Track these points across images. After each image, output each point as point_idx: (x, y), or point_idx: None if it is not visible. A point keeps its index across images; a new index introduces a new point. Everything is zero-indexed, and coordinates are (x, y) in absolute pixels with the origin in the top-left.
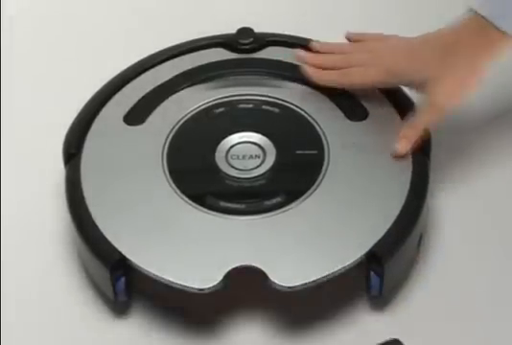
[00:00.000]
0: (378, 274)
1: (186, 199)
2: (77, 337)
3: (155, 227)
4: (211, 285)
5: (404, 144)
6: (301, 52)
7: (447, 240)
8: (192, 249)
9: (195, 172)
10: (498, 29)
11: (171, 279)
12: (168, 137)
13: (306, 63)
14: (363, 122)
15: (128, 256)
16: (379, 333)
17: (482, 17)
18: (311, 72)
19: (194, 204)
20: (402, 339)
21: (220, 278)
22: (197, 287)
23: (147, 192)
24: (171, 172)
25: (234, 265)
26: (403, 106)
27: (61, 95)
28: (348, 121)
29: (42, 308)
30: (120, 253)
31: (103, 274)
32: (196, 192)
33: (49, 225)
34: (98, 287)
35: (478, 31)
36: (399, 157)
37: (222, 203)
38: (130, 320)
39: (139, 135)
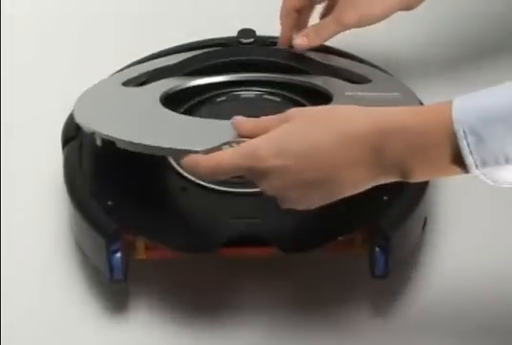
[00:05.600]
0: (382, 250)
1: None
2: (76, 337)
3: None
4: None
5: (303, 41)
6: None
7: (451, 226)
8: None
9: None
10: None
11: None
12: None
13: None
14: None
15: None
16: (379, 334)
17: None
18: None
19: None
20: (403, 340)
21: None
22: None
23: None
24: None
25: None
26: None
27: (61, 95)
28: None
29: (42, 307)
30: (116, 224)
31: (99, 248)
32: None
33: (49, 225)
34: (96, 269)
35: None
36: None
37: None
38: (130, 320)
39: None
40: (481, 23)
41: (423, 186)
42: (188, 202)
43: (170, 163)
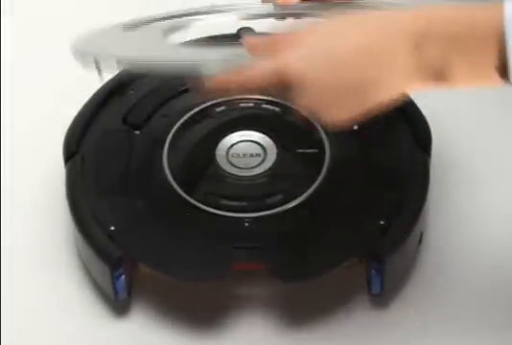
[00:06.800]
0: (378, 272)
1: (187, 198)
2: (77, 337)
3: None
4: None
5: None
6: None
7: (448, 237)
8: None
9: (195, 171)
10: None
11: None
12: (168, 136)
13: None
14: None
15: None
16: (379, 333)
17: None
18: None
19: (195, 202)
20: (401, 338)
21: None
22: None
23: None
24: (172, 171)
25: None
26: (404, 107)
27: (61, 95)
28: None
29: (42, 307)
30: (119, 251)
31: (103, 272)
32: (196, 190)
33: (49, 225)
34: (98, 286)
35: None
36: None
37: (223, 201)
38: (131, 320)
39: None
40: None
41: (418, 208)
42: (190, 228)
43: (172, 185)
